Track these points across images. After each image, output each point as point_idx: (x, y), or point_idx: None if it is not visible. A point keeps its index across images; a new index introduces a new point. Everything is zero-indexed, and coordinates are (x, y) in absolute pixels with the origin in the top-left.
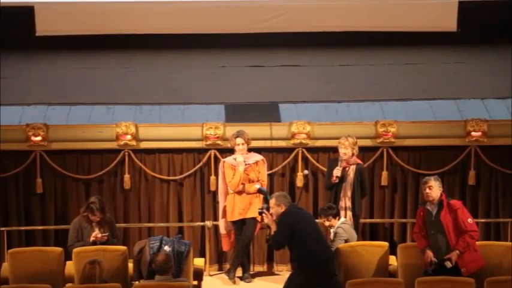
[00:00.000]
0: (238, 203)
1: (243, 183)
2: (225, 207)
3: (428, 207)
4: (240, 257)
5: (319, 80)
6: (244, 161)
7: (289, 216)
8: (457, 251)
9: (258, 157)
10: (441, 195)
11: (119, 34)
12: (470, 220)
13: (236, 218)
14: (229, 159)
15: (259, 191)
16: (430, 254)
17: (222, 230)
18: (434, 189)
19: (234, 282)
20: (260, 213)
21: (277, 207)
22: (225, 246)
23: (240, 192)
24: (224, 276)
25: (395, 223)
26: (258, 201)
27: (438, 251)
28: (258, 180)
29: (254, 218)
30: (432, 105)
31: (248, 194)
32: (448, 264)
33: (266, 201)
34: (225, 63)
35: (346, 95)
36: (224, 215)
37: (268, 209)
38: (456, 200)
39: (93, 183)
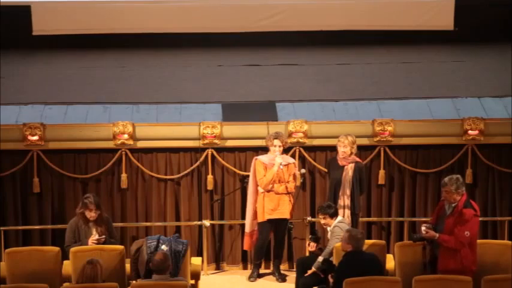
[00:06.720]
0: (267, 203)
1: (272, 183)
2: (256, 207)
3: (446, 205)
4: (281, 255)
5: (316, 79)
6: (281, 163)
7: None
8: (437, 236)
9: (290, 160)
10: (460, 199)
11: (116, 34)
12: (467, 233)
13: (265, 218)
14: (262, 157)
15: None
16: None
17: (247, 229)
18: (450, 194)
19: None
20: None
21: (346, 244)
22: (246, 245)
23: (268, 191)
24: (221, 275)
25: (392, 222)
26: (287, 201)
27: (436, 248)
28: (288, 182)
29: (286, 219)
30: (429, 104)
31: (277, 194)
32: (422, 230)
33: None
34: (222, 63)
35: (343, 93)
36: (254, 216)
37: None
38: (473, 207)
39: (90, 183)
